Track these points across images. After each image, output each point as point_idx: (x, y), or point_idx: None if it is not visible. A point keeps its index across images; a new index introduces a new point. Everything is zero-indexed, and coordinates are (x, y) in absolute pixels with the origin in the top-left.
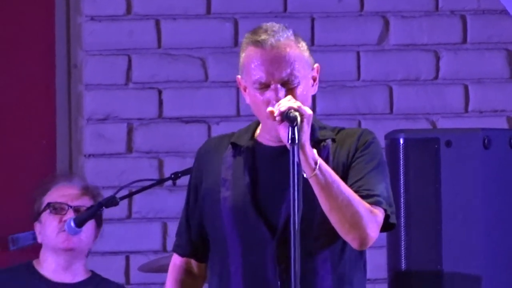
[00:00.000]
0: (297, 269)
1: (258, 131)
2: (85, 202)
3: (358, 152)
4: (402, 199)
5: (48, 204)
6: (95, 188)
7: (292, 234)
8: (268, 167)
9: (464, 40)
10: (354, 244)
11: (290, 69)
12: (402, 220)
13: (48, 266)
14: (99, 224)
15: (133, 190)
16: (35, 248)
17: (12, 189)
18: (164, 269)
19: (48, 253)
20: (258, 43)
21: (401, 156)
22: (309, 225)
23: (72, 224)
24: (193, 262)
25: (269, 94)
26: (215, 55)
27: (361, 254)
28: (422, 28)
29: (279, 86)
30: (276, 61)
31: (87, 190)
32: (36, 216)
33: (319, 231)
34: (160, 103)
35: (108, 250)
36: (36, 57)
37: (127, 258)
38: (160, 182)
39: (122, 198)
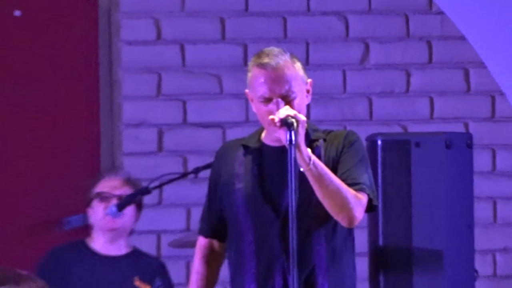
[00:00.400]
0: (295, 244)
1: (263, 134)
2: (126, 191)
3: (344, 149)
4: (380, 189)
5: (97, 194)
6: (135, 180)
7: (290, 215)
8: (272, 163)
9: (430, 60)
10: (343, 223)
11: (288, 86)
12: (380, 205)
13: (97, 242)
14: (139, 208)
15: (163, 182)
16: (87, 229)
17: (65, 182)
18: (188, 244)
19: (97, 233)
20: (261, 65)
21: (379, 155)
22: (306, 209)
23: (114, 209)
24: (215, 242)
25: (271, 106)
26: (228, 72)
27: (349, 232)
28: (396, 50)
29: (279, 99)
30: (276, 80)
31: (128, 182)
32: (88, 203)
33: (314, 213)
34: (184, 111)
35: (144, 230)
36: (84, 74)
37: (159, 236)
38: (184, 175)
39: (154, 188)
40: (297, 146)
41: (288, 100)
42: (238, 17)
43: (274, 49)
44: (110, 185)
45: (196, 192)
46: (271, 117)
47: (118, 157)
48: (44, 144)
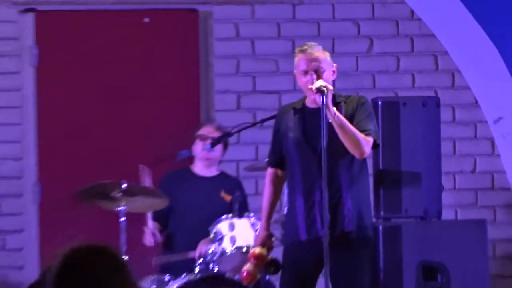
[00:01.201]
0: (325, 169)
1: (306, 100)
2: (217, 134)
3: (357, 108)
4: (380, 133)
5: (198, 136)
6: (223, 127)
7: (323, 152)
8: (311, 119)
9: (412, 50)
10: (357, 156)
11: (318, 64)
12: (380, 144)
13: (197, 168)
14: (225, 146)
15: (240, 128)
16: (191, 159)
17: (179, 130)
18: (256, 169)
19: (197, 162)
20: (302, 51)
21: (379, 111)
22: (333, 148)
23: (209, 146)
24: (278, 171)
25: (308, 77)
26: (282, 58)
27: (364, 162)
28: (390, 44)
29: (312, 72)
30: (310, 59)
31: (218, 128)
32: (192, 142)
33: (338, 151)
34: (254, 83)
35: (229, 159)
36: (190, 60)
37: (237, 163)
38: (254, 124)
39: (235, 132)
40: (326, 105)
41: (318, 73)
42: (289, 22)
43: (311, 43)
44: (207, 130)
45: (262, 135)
46: (310, 86)
47: (212, 113)
48: (166, 108)
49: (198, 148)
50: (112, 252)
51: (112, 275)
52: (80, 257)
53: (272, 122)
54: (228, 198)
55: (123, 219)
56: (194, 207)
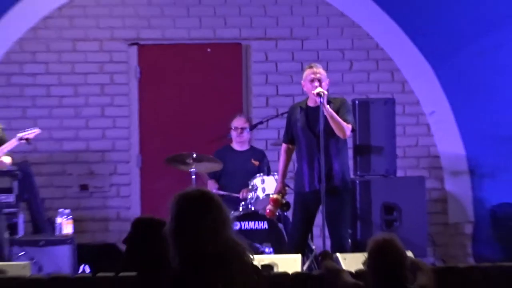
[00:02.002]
0: (322, 145)
1: (307, 101)
2: (244, 123)
3: (341, 106)
4: (357, 122)
5: (232, 127)
6: (250, 118)
7: (321, 134)
8: (312, 113)
9: (367, 57)
10: (341, 136)
11: (320, 76)
12: (357, 128)
13: (235, 145)
14: (251, 130)
15: (267, 118)
16: (230, 140)
17: (225, 122)
18: (278, 144)
19: (234, 141)
20: (310, 67)
21: (356, 108)
22: (326, 131)
23: (247, 129)
24: (290, 145)
25: (312, 84)
26: (296, 75)
27: (345, 141)
28: (358, 57)
29: (316, 80)
30: (315, 72)
31: (247, 120)
32: (229, 130)
33: (329, 133)
34: (277, 90)
35: (259, 138)
36: (235, 75)
37: (266, 141)
38: (276, 116)
39: (259, 123)
40: (323, 104)
41: (320, 82)
42: (299, 51)
43: (315, 63)
44: (238, 121)
45: (281, 123)
46: (313, 91)
47: (250, 109)
48: (221, 106)
49: (234, 134)
50: (208, 197)
51: (207, 211)
52: (189, 198)
53: (285, 115)
54: (256, 163)
55: (193, 177)
56: (235, 169)
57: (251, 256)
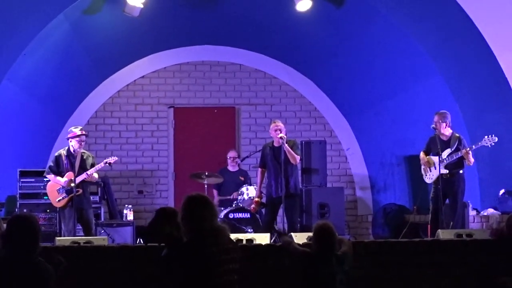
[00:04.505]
0: (283, 171)
1: (273, 142)
2: (237, 156)
3: (293, 145)
4: (302, 154)
5: (228, 156)
6: (240, 152)
7: (282, 164)
8: (276, 150)
9: (301, 109)
10: (294, 163)
11: (280, 127)
12: (303, 159)
13: (230, 167)
14: (242, 160)
15: (250, 154)
16: (225, 163)
17: (223, 150)
18: (256, 167)
19: (229, 165)
20: (275, 122)
21: (303, 146)
22: (285, 160)
23: (238, 160)
24: (263, 169)
25: (277, 133)
26: (268, 126)
27: (296, 166)
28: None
29: (279, 131)
30: (278, 125)
31: (237, 153)
32: (226, 157)
33: (287, 161)
34: (256, 135)
35: (246, 163)
36: (231, 126)
37: (249, 166)
38: (256, 152)
39: (246, 157)
40: (284, 144)
41: (280, 131)
42: (270, 111)
43: (278, 120)
44: (232, 153)
45: (258, 155)
46: (277, 136)
47: (240, 146)
48: (221, 146)
49: (229, 161)
50: (205, 198)
51: (204, 206)
52: (193, 199)
53: (260, 151)
54: (242, 179)
55: (205, 186)
56: (230, 182)
57: (229, 232)
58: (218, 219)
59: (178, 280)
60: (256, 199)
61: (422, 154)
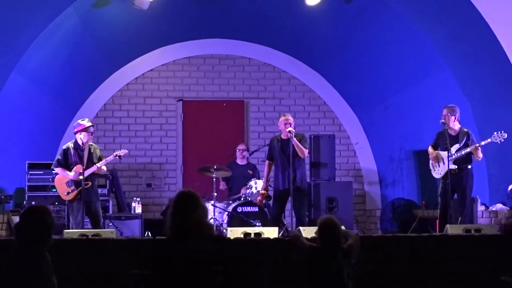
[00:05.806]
0: (290, 162)
1: (281, 135)
2: (245, 148)
3: (301, 138)
4: (311, 148)
5: (237, 149)
6: (248, 146)
7: (290, 156)
8: (284, 143)
9: (310, 103)
10: (302, 156)
11: (290, 121)
12: (311, 152)
13: (238, 160)
14: (251, 154)
15: (260, 147)
16: (234, 155)
17: (231, 145)
18: (264, 160)
19: (238, 158)
20: (284, 115)
21: (312, 140)
22: (293, 153)
23: (247, 154)
24: (270, 161)
25: (286, 126)
26: (277, 120)
27: (304, 159)
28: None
29: (289, 124)
30: (288, 119)
31: (246, 146)
32: (235, 151)
33: (295, 154)
34: (265, 129)
35: (255, 157)
36: (240, 119)
37: (258, 159)
38: (263, 146)
39: (255, 151)
40: (292, 137)
41: (289, 125)
42: (278, 105)
43: (287, 113)
44: (241, 146)
45: (266, 148)
46: (286, 129)
47: (249, 139)
48: (231, 137)
49: (238, 153)
50: (194, 194)
51: (197, 203)
52: (184, 194)
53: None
54: (251, 172)
55: (214, 179)
56: (238, 176)
57: (213, 231)
58: (213, 218)
59: (155, 279)
60: (263, 191)
61: (430, 149)
